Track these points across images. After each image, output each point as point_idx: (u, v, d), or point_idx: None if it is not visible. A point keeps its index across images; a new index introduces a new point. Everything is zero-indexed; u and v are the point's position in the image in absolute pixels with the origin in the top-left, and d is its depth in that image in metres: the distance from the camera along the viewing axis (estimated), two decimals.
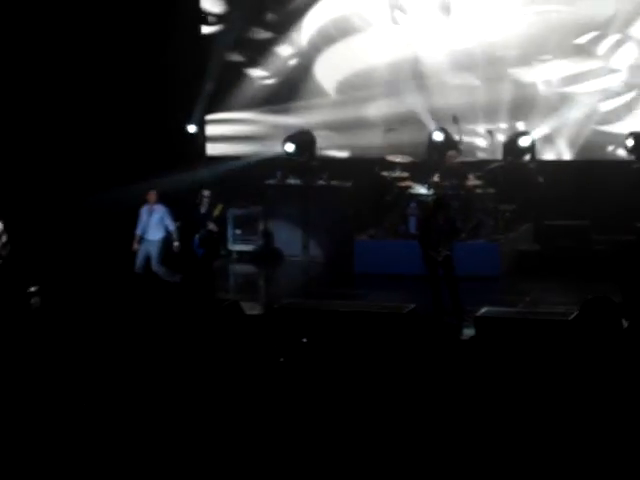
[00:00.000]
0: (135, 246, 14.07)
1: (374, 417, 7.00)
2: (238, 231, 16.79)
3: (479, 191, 15.67)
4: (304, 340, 9.08)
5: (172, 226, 13.93)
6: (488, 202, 15.65)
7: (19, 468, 6.62)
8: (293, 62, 17.46)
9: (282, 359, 8.15)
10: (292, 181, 16.78)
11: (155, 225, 13.95)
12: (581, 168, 16.20)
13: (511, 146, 16.41)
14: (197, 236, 13.84)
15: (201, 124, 17.54)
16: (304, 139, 16.79)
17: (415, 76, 16.86)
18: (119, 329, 9.83)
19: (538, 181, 16.02)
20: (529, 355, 8.29)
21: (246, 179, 16.53)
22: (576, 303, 11.33)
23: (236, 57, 17.65)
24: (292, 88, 17.41)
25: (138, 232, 14.07)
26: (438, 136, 16.16)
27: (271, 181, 16.86)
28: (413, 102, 16.73)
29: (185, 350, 8.96)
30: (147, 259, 13.95)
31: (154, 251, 13.92)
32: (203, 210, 13.83)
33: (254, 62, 17.55)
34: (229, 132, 17.80)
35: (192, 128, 17.23)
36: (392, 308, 11.43)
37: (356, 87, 17.15)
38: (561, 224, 15.80)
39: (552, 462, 6.29)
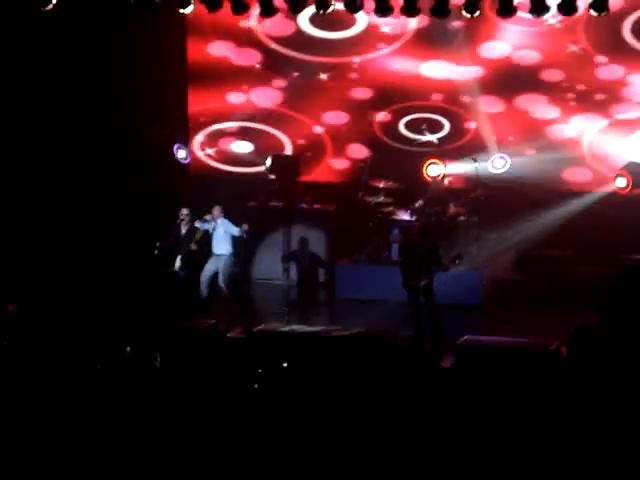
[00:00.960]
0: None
1: (350, 441, 6.92)
2: None
3: (462, 218, 15.65)
4: (284, 365, 8.98)
5: (237, 232, 14.08)
6: (471, 230, 15.62)
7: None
8: None
9: (256, 386, 8.06)
10: (275, 203, 16.72)
11: (221, 239, 14.02)
12: (566, 198, 16.19)
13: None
14: (179, 257, 13.72)
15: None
16: (288, 162, 16.74)
17: None
18: (98, 349, 9.71)
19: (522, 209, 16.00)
20: (509, 384, 8.23)
21: (229, 200, 16.43)
22: (557, 334, 11.37)
23: None
24: None
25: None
26: (433, 170, 15.99)
27: (254, 203, 16.79)
28: None
29: (163, 372, 8.86)
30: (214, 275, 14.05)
31: (223, 266, 13.96)
32: (184, 230, 13.72)
33: None
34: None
35: (182, 154, 16.92)
36: (372, 334, 11.35)
37: None
38: (544, 254, 15.77)
39: None
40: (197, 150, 17.59)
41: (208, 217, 13.97)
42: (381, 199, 16.00)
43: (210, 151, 17.56)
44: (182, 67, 17.10)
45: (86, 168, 16.07)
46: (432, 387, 7.88)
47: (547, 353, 9.83)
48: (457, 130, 16.65)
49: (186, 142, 17.20)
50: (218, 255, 14.00)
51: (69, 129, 15.90)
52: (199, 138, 17.56)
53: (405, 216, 15.71)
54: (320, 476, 6.62)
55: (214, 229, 13.97)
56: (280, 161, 16.70)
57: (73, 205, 15.84)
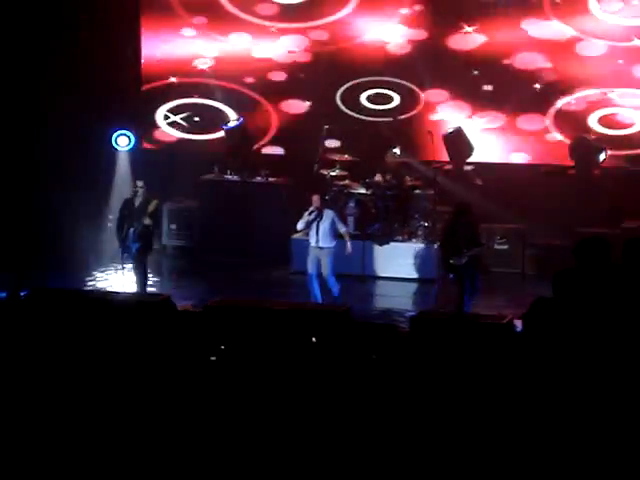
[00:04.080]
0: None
1: (306, 413, 6.90)
2: (173, 226, 16.58)
3: (418, 192, 15.64)
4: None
5: (344, 230, 13.73)
6: (426, 203, 15.62)
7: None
8: None
9: (214, 358, 8.01)
10: (229, 177, 16.61)
11: (327, 232, 13.55)
12: (519, 171, 16.24)
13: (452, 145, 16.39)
14: (132, 230, 13.56)
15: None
16: (242, 135, 16.63)
17: None
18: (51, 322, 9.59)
19: (477, 183, 16.05)
20: (462, 357, 8.25)
21: (183, 173, 16.31)
22: (511, 307, 11.41)
23: None
24: None
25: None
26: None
27: (208, 176, 16.67)
28: None
29: (115, 346, 8.77)
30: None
31: (328, 260, 13.57)
32: (138, 202, 13.56)
33: None
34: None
35: (124, 141, 16.63)
36: (327, 307, 11.32)
37: None
38: (497, 227, 15.83)
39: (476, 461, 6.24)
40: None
41: (312, 207, 13.58)
42: (336, 172, 15.95)
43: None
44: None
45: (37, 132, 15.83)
46: (385, 360, 7.87)
47: (501, 326, 9.85)
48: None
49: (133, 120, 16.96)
50: (321, 248, 13.56)
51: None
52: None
53: (361, 189, 15.68)
54: (271, 448, 6.59)
55: (317, 220, 13.53)
56: (235, 133, 16.59)
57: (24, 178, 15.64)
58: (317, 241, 13.52)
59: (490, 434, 6.48)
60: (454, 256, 12.70)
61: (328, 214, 13.61)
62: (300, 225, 13.63)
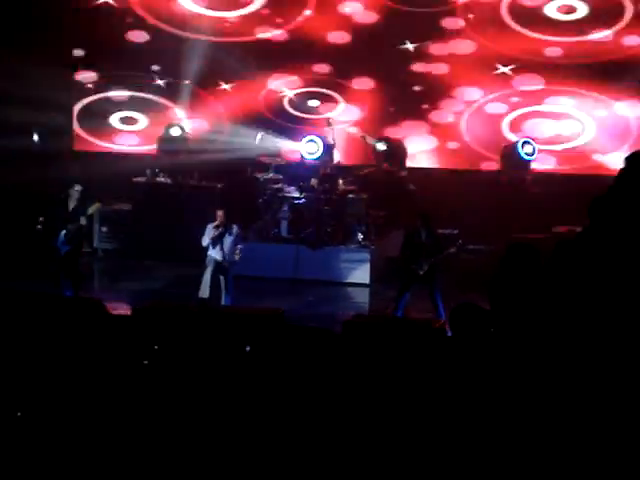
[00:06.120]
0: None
1: (239, 419, 6.89)
2: (104, 229, 16.44)
3: (351, 196, 15.70)
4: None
5: (241, 246, 13.40)
6: (360, 207, 15.68)
7: None
8: None
9: (146, 362, 7.96)
10: (162, 180, 16.52)
11: (231, 247, 13.24)
12: (452, 177, 16.39)
13: (388, 152, 16.48)
14: (64, 232, 13.40)
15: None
16: (177, 136, 16.59)
17: None
18: None
19: (410, 188, 16.14)
20: (394, 361, 8.30)
21: (115, 175, 16.18)
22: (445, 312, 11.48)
23: None
24: None
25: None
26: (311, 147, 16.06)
27: (140, 179, 16.56)
28: None
29: (46, 350, 8.67)
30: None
31: (231, 275, 13.27)
32: (72, 206, 13.38)
33: None
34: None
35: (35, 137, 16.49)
36: (260, 310, 11.31)
37: None
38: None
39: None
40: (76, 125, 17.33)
41: (217, 222, 13.17)
42: (270, 175, 15.95)
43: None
44: None
45: None
46: (319, 363, 7.89)
47: (433, 330, 9.95)
48: None
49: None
50: (229, 262, 13.25)
51: None
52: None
53: (294, 193, 15.70)
54: (205, 452, 6.57)
55: (223, 234, 13.16)
56: (169, 136, 16.53)
57: None
58: (224, 256, 13.21)
59: (419, 437, 6.53)
60: (415, 264, 12.71)
61: (234, 230, 13.39)
62: (206, 241, 13.20)
